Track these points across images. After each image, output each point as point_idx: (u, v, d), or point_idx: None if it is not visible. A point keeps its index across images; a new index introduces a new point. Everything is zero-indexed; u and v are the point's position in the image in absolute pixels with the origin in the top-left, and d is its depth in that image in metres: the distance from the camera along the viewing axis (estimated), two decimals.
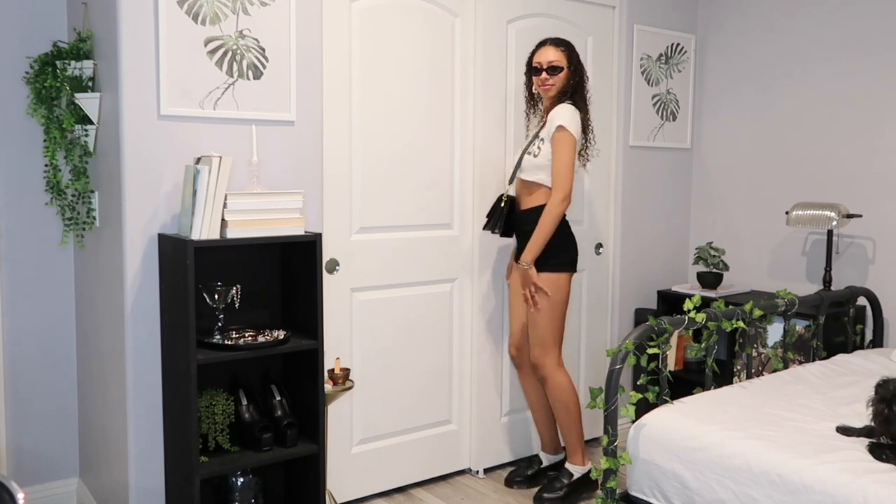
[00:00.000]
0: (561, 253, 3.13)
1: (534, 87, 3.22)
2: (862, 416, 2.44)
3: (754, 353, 3.36)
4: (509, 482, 3.38)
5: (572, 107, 3.08)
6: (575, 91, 3.13)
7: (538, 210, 3.10)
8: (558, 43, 3.14)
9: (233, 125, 2.72)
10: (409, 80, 3.19)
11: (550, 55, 3.11)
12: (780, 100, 3.88)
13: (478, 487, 3.39)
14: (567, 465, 3.26)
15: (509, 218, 3.23)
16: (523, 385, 3.42)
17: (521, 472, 3.41)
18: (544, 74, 3.11)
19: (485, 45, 3.35)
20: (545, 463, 3.42)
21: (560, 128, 3.02)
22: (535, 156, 3.12)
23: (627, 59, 3.83)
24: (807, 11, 3.77)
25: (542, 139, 3.12)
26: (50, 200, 2.88)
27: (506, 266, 3.49)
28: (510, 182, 3.26)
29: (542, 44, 3.17)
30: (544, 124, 3.15)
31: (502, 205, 3.22)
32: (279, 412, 2.72)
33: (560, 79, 3.11)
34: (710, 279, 3.83)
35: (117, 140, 2.55)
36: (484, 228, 3.29)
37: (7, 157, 2.93)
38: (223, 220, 2.49)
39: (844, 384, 2.91)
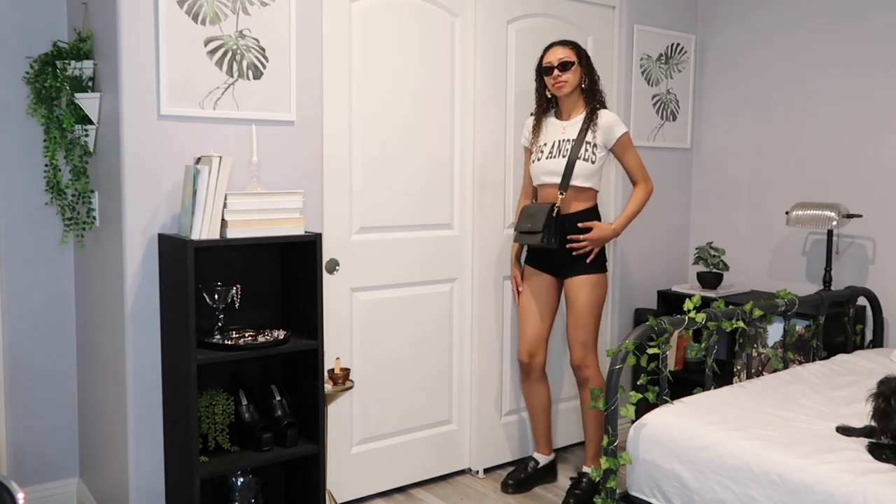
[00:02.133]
0: (602, 253, 3.24)
1: (547, 90, 3.21)
2: (862, 417, 2.44)
3: (754, 353, 3.36)
4: (505, 486, 3.34)
5: (609, 111, 3.20)
6: (593, 92, 3.18)
7: (586, 212, 3.17)
8: (565, 42, 3.19)
9: (233, 125, 2.72)
10: (409, 80, 3.19)
11: (559, 53, 3.14)
12: (781, 99, 3.88)
13: (478, 487, 3.39)
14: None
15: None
16: (527, 389, 3.39)
17: (516, 476, 3.37)
18: (556, 72, 3.12)
19: (485, 45, 3.35)
20: (542, 463, 3.41)
21: (625, 134, 3.16)
22: (591, 162, 3.12)
23: (627, 59, 3.83)
24: (807, 11, 3.77)
25: (595, 146, 3.12)
26: (50, 200, 2.88)
27: (506, 265, 3.48)
28: (564, 189, 3.11)
29: (549, 46, 3.20)
30: (588, 129, 3.11)
31: (555, 215, 3.09)
32: (279, 412, 2.72)
33: (572, 73, 3.13)
34: (710, 279, 3.83)
35: (117, 140, 2.56)
36: (534, 244, 3.14)
37: (7, 157, 2.93)
38: (223, 220, 2.49)
39: (844, 384, 2.91)
